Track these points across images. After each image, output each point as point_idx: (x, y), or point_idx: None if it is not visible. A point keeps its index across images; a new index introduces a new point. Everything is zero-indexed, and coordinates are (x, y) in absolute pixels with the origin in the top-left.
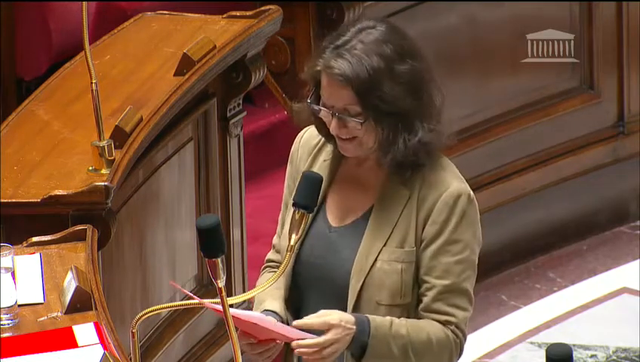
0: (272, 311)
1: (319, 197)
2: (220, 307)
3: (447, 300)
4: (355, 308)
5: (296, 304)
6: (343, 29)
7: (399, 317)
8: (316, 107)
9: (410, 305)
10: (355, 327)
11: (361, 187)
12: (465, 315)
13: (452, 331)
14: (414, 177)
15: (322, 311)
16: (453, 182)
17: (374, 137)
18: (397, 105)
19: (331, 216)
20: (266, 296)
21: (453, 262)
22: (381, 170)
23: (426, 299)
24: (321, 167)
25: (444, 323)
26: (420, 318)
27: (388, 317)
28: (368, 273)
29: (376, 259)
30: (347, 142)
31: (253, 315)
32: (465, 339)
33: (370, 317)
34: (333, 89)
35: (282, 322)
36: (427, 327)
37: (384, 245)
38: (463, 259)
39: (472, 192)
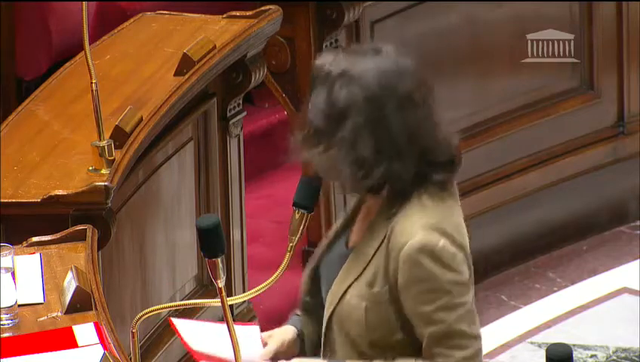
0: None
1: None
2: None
3: (440, 345)
4: (327, 334)
5: (312, 305)
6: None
7: (377, 351)
8: None
9: (393, 342)
10: None
11: (369, 217)
12: (465, 354)
13: None
14: (397, 214)
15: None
16: (417, 232)
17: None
18: (314, 117)
19: (351, 237)
20: None
21: (432, 310)
22: (380, 203)
23: (423, 347)
24: None
25: None
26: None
27: None
28: (338, 303)
29: (346, 291)
30: None
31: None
32: None
33: None
34: None
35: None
36: None
37: (355, 279)
38: (444, 305)
39: (440, 241)
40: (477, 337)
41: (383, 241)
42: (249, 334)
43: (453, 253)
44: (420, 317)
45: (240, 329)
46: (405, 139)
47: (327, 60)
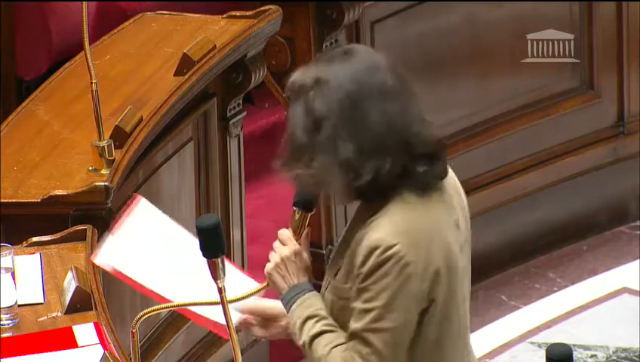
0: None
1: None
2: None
3: (351, 343)
4: None
5: None
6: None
7: None
8: None
9: None
10: (292, 282)
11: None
12: None
13: None
14: (371, 217)
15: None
16: (381, 231)
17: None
18: (293, 133)
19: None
20: None
21: (362, 309)
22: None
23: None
24: None
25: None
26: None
27: (317, 312)
28: (323, 296)
29: (326, 288)
30: None
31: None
32: None
33: (306, 297)
34: None
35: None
36: (326, 349)
37: (333, 277)
38: (371, 309)
39: (397, 246)
40: (383, 359)
41: (353, 243)
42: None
43: (405, 263)
44: (352, 309)
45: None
46: (385, 133)
47: (298, 75)
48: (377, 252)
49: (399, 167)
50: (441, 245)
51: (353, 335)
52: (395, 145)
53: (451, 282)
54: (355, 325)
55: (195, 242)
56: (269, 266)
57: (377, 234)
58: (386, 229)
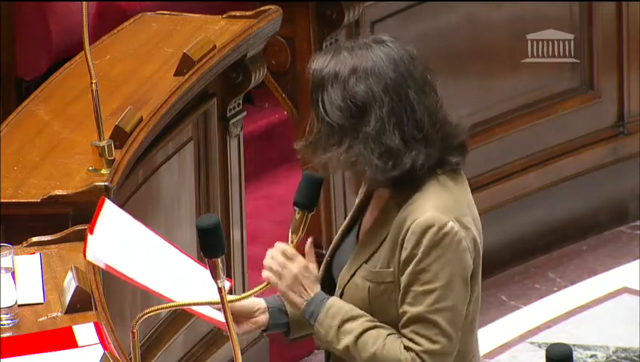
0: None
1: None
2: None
3: (414, 328)
4: None
5: None
6: (365, 36)
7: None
8: None
9: (395, 324)
10: (308, 296)
11: (379, 206)
12: (432, 347)
13: (412, 358)
14: (407, 200)
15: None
16: (427, 211)
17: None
18: (331, 117)
19: (361, 230)
20: None
21: (421, 291)
22: (389, 189)
23: (400, 323)
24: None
25: (408, 349)
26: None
27: (350, 312)
28: (345, 286)
29: (353, 274)
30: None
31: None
32: None
33: (331, 302)
34: None
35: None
36: (379, 346)
37: (365, 262)
38: (433, 290)
39: (449, 223)
40: (450, 337)
41: (392, 227)
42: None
43: (460, 238)
44: (408, 294)
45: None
46: (427, 124)
47: (325, 62)
48: (432, 231)
49: (436, 157)
50: (474, 221)
51: (414, 320)
52: (434, 136)
53: (478, 258)
54: (415, 309)
55: (157, 240)
56: (280, 286)
57: (426, 214)
58: (434, 209)
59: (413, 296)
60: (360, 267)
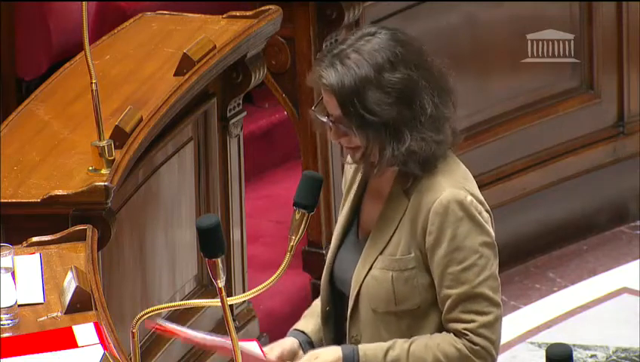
0: (300, 331)
1: (353, 206)
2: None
3: (463, 307)
4: (353, 316)
5: (333, 314)
6: (346, 37)
7: (406, 323)
8: (316, 115)
9: (421, 311)
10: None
11: (381, 198)
12: (486, 319)
13: (468, 340)
14: (414, 185)
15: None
16: (445, 189)
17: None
18: (383, 115)
19: (361, 227)
20: (306, 313)
21: (459, 270)
22: (392, 180)
23: (444, 310)
24: (360, 180)
25: (461, 334)
26: (444, 327)
27: (385, 345)
28: (363, 281)
29: (371, 268)
30: (351, 151)
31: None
32: (492, 343)
33: (361, 349)
34: (325, 97)
35: (310, 342)
36: (433, 348)
37: (380, 253)
38: (471, 265)
39: (468, 196)
40: (498, 304)
41: (406, 210)
42: (249, 347)
43: (480, 209)
44: (446, 277)
45: (240, 345)
46: (450, 106)
47: (340, 73)
48: (454, 207)
49: (451, 136)
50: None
51: (461, 299)
52: (452, 118)
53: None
54: (458, 289)
55: None
56: None
57: (445, 192)
58: (451, 186)
59: (452, 278)
60: (376, 260)
